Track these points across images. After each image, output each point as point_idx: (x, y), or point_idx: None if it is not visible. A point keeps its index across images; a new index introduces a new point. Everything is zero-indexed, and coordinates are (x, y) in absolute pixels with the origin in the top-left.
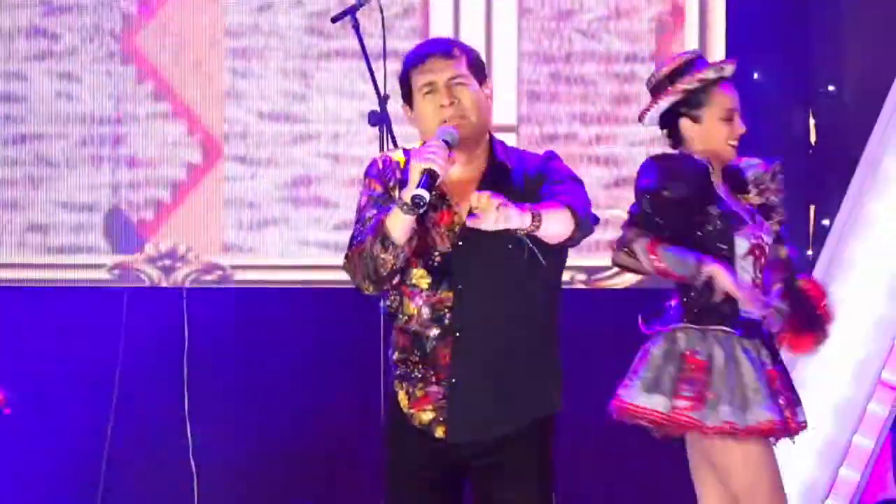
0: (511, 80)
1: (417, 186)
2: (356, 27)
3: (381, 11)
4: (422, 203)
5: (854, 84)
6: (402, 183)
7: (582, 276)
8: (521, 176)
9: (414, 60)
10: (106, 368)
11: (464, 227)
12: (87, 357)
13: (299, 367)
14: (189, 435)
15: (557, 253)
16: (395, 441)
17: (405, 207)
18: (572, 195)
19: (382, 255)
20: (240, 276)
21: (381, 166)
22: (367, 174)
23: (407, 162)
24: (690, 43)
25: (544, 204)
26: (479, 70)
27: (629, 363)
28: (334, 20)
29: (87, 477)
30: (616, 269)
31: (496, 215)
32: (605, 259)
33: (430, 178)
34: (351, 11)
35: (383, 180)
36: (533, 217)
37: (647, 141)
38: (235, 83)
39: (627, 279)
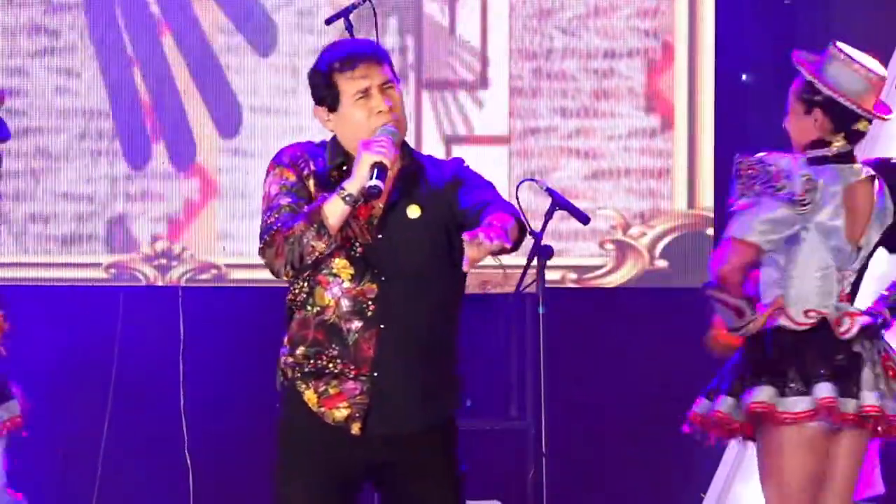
0: (504, 78)
1: (373, 178)
2: (349, 29)
3: (374, 12)
4: (377, 194)
5: None
6: (317, 174)
7: (573, 275)
8: (436, 174)
9: (342, 65)
10: (102, 367)
11: (381, 220)
12: (84, 355)
13: None
14: (185, 432)
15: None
16: (294, 443)
17: (349, 198)
18: (506, 203)
19: (314, 243)
20: (235, 274)
21: (291, 156)
22: (277, 163)
23: (315, 154)
24: (680, 40)
25: (498, 217)
26: (395, 73)
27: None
28: (328, 22)
29: (84, 474)
30: (607, 269)
31: (490, 249)
32: (595, 258)
33: (381, 171)
34: (345, 13)
35: (296, 170)
36: (508, 234)
37: (625, 135)
38: (228, 78)
39: (617, 278)
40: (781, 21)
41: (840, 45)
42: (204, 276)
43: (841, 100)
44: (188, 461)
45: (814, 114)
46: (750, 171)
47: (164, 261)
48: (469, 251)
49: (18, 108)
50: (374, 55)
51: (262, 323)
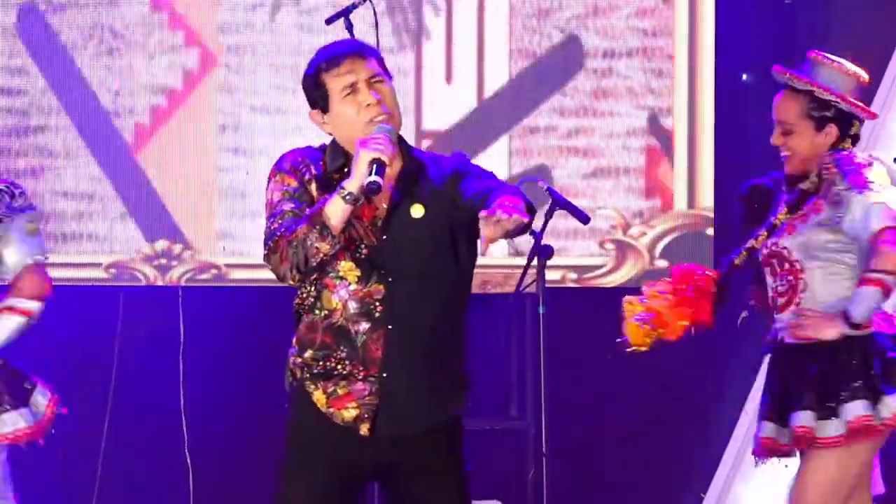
0: (503, 77)
1: (372, 174)
2: (350, 29)
3: (374, 11)
4: (377, 190)
5: None
6: (318, 178)
7: (573, 275)
8: (437, 172)
9: (328, 64)
10: (102, 366)
11: (385, 220)
12: (84, 355)
13: None
14: (185, 432)
15: (473, 252)
16: (302, 443)
17: (349, 197)
18: (511, 187)
19: (318, 244)
20: (235, 274)
21: (292, 162)
22: (278, 169)
23: (316, 158)
24: (680, 40)
25: (508, 198)
26: (385, 68)
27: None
28: (328, 22)
29: (84, 474)
30: (607, 268)
31: (506, 227)
32: (594, 258)
33: (380, 168)
34: (345, 13)
35: (297, 175)
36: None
37: (623, 134)
38: (228, 78)
39: (617, 278)
40: (781, 21)
41: (817, 52)
42: (204, 276)
43: (854, 109)
44: (188, 461)
45: (827, 129)
46: (854, 165)
47: (164, 261)
48: (486, 230)
49: (18, 108)
50: (358, 51)
51: (262, 323)
